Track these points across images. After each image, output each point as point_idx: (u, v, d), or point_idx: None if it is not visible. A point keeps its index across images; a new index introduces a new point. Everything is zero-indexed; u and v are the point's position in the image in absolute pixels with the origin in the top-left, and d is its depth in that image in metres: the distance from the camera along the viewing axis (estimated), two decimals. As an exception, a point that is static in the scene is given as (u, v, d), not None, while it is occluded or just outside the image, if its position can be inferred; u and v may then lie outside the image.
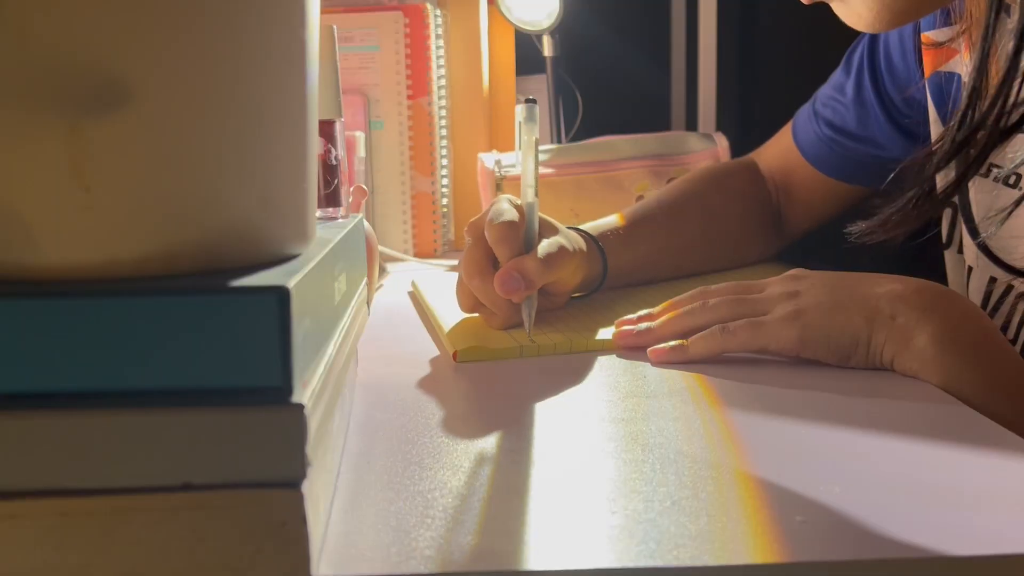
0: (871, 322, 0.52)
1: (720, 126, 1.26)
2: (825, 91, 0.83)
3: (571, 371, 0.55)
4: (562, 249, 0.64)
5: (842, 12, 0.58)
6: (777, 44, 1.36)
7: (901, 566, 0.31)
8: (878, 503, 0.35)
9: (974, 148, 0.57)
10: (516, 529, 0.33)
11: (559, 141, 1.17)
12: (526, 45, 1.18)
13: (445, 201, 1.09)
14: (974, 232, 0.65)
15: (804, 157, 0.84)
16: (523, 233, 0.63)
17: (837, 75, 0.82)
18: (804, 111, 0.86)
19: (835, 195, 0.84)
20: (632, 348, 0.59)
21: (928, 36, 0.68)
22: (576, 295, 0.72)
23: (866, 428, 0.44)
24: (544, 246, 0.63)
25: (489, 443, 0.43)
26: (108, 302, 0.28)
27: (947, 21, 0.66)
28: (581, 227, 0.73)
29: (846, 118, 0.80)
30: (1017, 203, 0.59)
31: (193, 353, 0.28)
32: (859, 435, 0.43)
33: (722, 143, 1.05)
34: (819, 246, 0.95)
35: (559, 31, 1.13)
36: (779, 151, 0.88)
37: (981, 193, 0.64)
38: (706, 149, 1.04)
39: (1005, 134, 0.56)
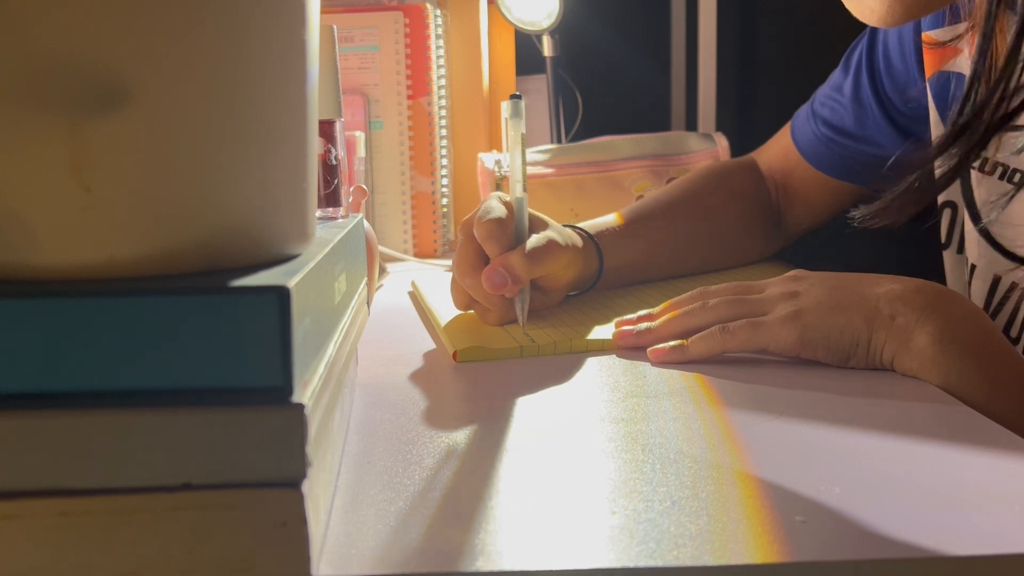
0: (871, 322, 0.52)
1: (720, 126, 1.26)
2: (823, 91, 0.83)
3: (571, 371, 0.55)
4: (551, 243, 0.64)
5: (853, 7, 0.58)
6: (777, 44, 1.36)
7: (901, 566, 0.31)
8: (878, 503, 0.35)
9: (975, 133, 0.57)
10: (516, 529, 0.33)
11: (559, 141, 1.17)
12: (526, 45, 1.18)
13: (445, 201, 1.09)
14: (976, 217, 0.65)
15: (803, 156, 0.84)
16: (512, 229, 0.63)
17: (835, 75, 0.82)
18: (803, 111, 0.86)
19: (835, 194, 0.84)
20: (632, 348, 0.59)
21: (930, 35, 0.68)
22: (573, 293, 0.72)
23: (866, 428, 0.44)
24: (532, 241, 0.63)
25: (488, 443, 0.43)
26: (108, 302, 0.28)
27: (952, 19, 0.65)
28: (578, 225, 0.73)
29: (844, 117, 0.80)
30: (1019, 187, 0.59)
31: (193, 353, 0.28)
32: (859, 435, 0.43)
33: (722, 143, 1.05)
34: (820, 245, 0.95)
35: (559, 31, 1.13)
36: (779, 151, 0.88)
37: (982, 187, 0.64)
38: (706, 149, 1.04)
39: (1006, 119, 0.56)
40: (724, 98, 1.28)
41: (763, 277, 0.61)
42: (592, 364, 0.57)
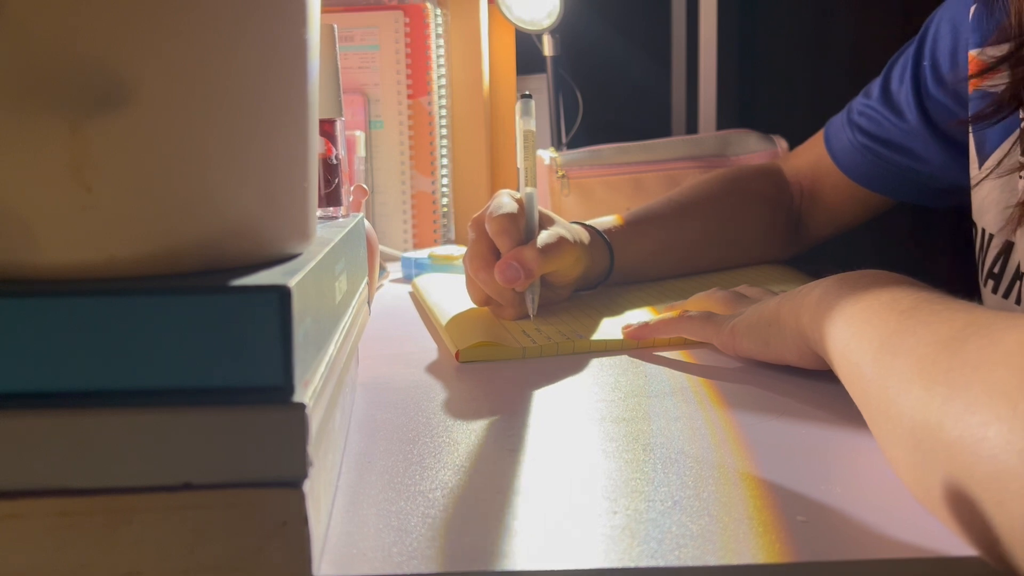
0: (782, 301, 0.51)
1: (720, 126, 1.26)
2: (860, 100, 0.81)
3: (572, 371, 0.55)
4: (561, 239, 0.65)
5: None
6: (778, 44, 1.36)
7: (901, 566, 0.31)
8: (879, 503, 0.35)
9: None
10: (516, 529, 0.33)
11: (559, 140, 1.17)
12: (526, 44, 1.18)
13: (445, 200, 1.08)
14: None
15: (836, 164, 0.83)
16: (523, 224, 0.64)
17: (874, 85, 0.79)
18: (837, 120, 0.84)
19: (862, 204, 0.83)
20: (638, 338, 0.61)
21: (974, 55, 0.64)
22: (582, 289, 0.73)
23: (866, 428, 0.43)
24: (543, 236, 0.64)
25: (490, 443, 0.43)
26: (108, 302, 0.28)
27: (998, 38, 0.62)
28: (588, 222, 0.74)
29: (883, 126, 0.77)
30: None
31: (194, 352, 0.28)
32: (860, 435, 0.43)
33: (781, 144, 1.04)
34: (834, 251, 0.95)
35: (559, 30, 1.13)
36: (809, 158, 0.87)
37: None
38: (765, 150, 1.03)
39: None
40: (724, 98, 1.28)
41: (775, 277, 0.61)
42: (593, 364, 0.57)
